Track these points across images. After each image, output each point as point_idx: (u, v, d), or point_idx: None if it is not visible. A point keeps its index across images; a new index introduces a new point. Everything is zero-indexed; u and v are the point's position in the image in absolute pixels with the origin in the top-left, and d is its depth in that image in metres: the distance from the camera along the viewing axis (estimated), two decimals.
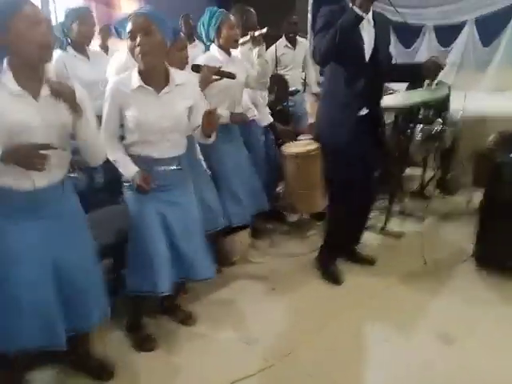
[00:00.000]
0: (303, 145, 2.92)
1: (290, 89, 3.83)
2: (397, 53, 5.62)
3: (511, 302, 2.45)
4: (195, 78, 2.24)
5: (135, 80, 1.88)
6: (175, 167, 2.00)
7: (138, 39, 1.80)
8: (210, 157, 2.58)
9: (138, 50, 1.82)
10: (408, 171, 4.17)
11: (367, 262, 2.87)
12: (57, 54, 2.74)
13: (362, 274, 2.75)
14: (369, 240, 3.15)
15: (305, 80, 4.41)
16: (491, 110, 4.22)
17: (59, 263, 1.64)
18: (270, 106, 3.43)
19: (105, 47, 4.03)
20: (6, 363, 1.74)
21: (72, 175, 1.94)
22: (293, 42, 4.19)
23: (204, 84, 2.31)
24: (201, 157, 2.53)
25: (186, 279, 2.15)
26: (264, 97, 3.31)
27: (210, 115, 1.85)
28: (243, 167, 2.80)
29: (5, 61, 1.50)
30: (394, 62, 2.74)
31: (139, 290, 2.01)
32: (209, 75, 2.35)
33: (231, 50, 2.66)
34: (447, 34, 5.57)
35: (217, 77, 2.38)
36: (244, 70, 2.68)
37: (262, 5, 3.73)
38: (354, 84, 2.39)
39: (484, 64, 5.29)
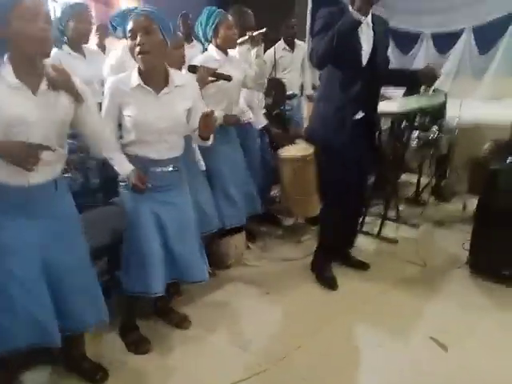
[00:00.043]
0: (300, 149, 2.92)
1: (288, 92, 3.84)
2: (394, 59, 5.65)
3: (506, 307, 2.46)
4: (194, 79, 2.23)
5: (135, 79, 1.88)
6: (172, 169, 2.00)
7: (138, 38, 1.79)
8: (206, 157, 2.57)
9: (137, 49, 1.81)
10: (403, 177, 4.19)
11: (361, 266, 2.87)
12: (52, 51, 2.71)
13: (357, 279, 2.75)
14: (364, 245, 3.16)
15: (302, 84, 4.43)
16: (487, 118, 4.24)
17: (52, 263, 1.63)
18: (268, 109, 3.43)
19: (102, 46, 4.01)
20: None
21: (67, 175, 1.92)
22: (291, 45, 4.21)
23: (200, 85, 2.31)
24: (200, 157, 2.52)
25: (179, 280, 2.13)
26: (260, 99, 3.31)
27: (206, 118, 1.84)
28: (239, 169, 2.80)
29: (6, 55, 1.49)
30: (390, 66, 2.74)
31: (132, 291, 2.00)
32: (205, 76, 2.35)
33: (229, 50, 2.66)
34: (445, 42, 5.59)
35: (213, 78, 2.38)
36: (241, 70, 2.68)
37: (261, 7, 3.73)
38: (350, 87, 2.39)
39: (480, 72, 5.32)
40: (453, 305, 2.49)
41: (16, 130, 1.47)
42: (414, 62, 5.76)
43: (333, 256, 2.82)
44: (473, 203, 3.18)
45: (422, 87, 3.87)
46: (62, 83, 1.53)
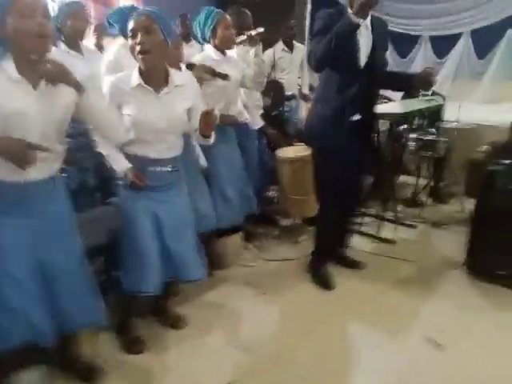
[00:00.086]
0: (299, 150, 2.92)
1: (286, 93, 3.85)
2: (392, 62, 5.68)
3: (502, 308, 2.46)
4: (194, 79, 2.24)
5: (135, 79, 1.88)
6: (171, 169, 2.00)
7: (139, 38, 1.79)
8: (204, 156, 2.57)
9: (138, 48, 1.81)
10: (401, 179, 4.21)
11: (356, 265, 2.88)
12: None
13: (354, 279, 2.75)
14: (361, 246, 3.16)
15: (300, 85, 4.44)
16: (484, 121, 4.26)
17: (46, 262, 1.62)
18: (266, 110, 3.43)
19: (99, 46, 4.00)
20: None
21: (64, 174, 1.92)
22: (290, 46, 4.23)
23: (198, 82, 2.31)
24: (201, 153, 2.52)
25: (176, 279, 2.12)
26: (259, 99, 3.31)
27: (207, 116, 1.85)
28: (236, 169, 2.80)
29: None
30: (389, 69, 2.75)
31: (128, 290, 1.99)
32: (202, 75, 2.35)
33: (227, 50, 2.66)
34: (443, 45, 5.63)
35: (210, 77, 2.38)
36: (239, 70, 2.68)
37: (261, 8, 3.75)
38: (348, 89, 2.39)
39: (478, 76, 5.36)
40: (450, 305, 2.48)
41: (14, 124, 1.47)
42: (412, 65, 5.80)
43: (328, 257, 2.82)
44: (470, 205, 3.20)
45: (421, 91, 3.90)
46: (58, 74, 1.52)
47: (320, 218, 2.74)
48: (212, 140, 2.03)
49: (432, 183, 4.13)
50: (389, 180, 3.56)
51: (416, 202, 4.01)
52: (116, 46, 2.51)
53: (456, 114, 3.91)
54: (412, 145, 3.79)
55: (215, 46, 2.61)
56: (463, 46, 5.47)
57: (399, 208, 3.73)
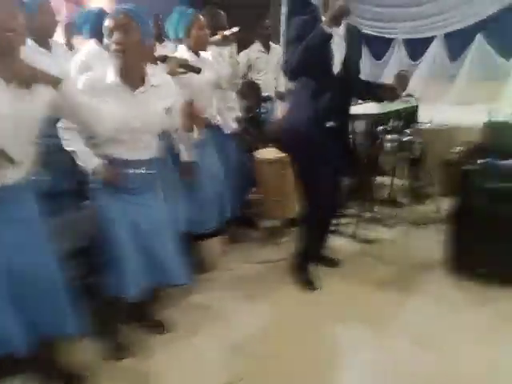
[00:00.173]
0: (277, 151, 2.91)
1: (263, 94, 3.83)
2: (367, 64, 5.75)
3: (484, 305, 2.46)
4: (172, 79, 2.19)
5: (111, 77, 1.83)
6: (146, 171, 1.96)
7: (115, 36, 1.76)
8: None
9: (114, 46, 1.77)
10: (378, 179, 4.24)
11: (335, 264, 2.90)
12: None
13: (336, 281, 2.74)
14: (340, 246, 3.16)
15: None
16: (458, 122, 4.34)
17: (16, 269, 1.55)
18: (243, 112, 3.40)
19: (69, 45, 3.90)
20: None
21: (37, 177, 1.84)
22: (266, 47, 4.20)
23: (170, 74, 2.26)
24: (182, 148, 2.45)
25: (161, 284, 2.08)
26: (234, 100, 3.27)
27: (187, 107, 1.83)
28: (214, 173, 2.75)
29: None
30: (362, 73, 2.76)
31: (108, 294, 1.94)
32: (174, 67, 2.30)
33: (201, 51, 2.61)
34: (417, 48, 5.75)
35: (182, 70, 2.33)
36: (214, 71, 2.64)
37: (235, 8, 3.72)
38: (321, 97, 2.40)
39: (451, 78, 5.48)
40: (432, 305, 2.47)
41: None
42: (387, 67, 5.89)
43: (311, 258, 2.82)
44: (446, 204, 3.25)
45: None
46: (32, 77, 1.44)
47: (303, 220, 2.72)
48: (196, 135, 1.99)
49: (408, 184, 4.18)
50: (366, 181, 3.58)
51: (393, 202, 4.05)
52: (88, 46, 2.44)
53: (430, 115, 3.97)
54: (388, 146, 3.83)
55: (189, 47, 2.56)
56: (436, 48, 5.59)
57: (376, 209, 3.75)
